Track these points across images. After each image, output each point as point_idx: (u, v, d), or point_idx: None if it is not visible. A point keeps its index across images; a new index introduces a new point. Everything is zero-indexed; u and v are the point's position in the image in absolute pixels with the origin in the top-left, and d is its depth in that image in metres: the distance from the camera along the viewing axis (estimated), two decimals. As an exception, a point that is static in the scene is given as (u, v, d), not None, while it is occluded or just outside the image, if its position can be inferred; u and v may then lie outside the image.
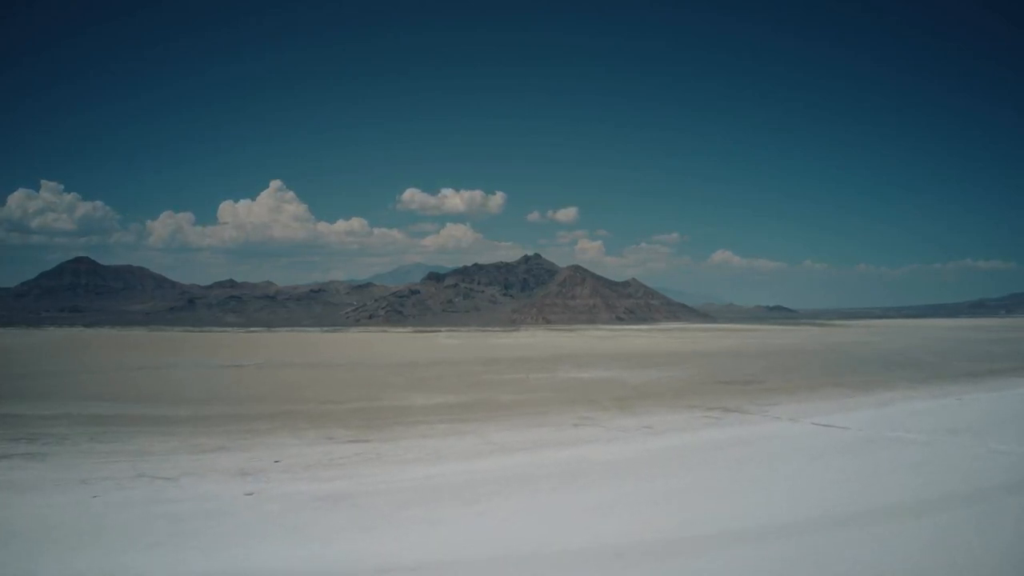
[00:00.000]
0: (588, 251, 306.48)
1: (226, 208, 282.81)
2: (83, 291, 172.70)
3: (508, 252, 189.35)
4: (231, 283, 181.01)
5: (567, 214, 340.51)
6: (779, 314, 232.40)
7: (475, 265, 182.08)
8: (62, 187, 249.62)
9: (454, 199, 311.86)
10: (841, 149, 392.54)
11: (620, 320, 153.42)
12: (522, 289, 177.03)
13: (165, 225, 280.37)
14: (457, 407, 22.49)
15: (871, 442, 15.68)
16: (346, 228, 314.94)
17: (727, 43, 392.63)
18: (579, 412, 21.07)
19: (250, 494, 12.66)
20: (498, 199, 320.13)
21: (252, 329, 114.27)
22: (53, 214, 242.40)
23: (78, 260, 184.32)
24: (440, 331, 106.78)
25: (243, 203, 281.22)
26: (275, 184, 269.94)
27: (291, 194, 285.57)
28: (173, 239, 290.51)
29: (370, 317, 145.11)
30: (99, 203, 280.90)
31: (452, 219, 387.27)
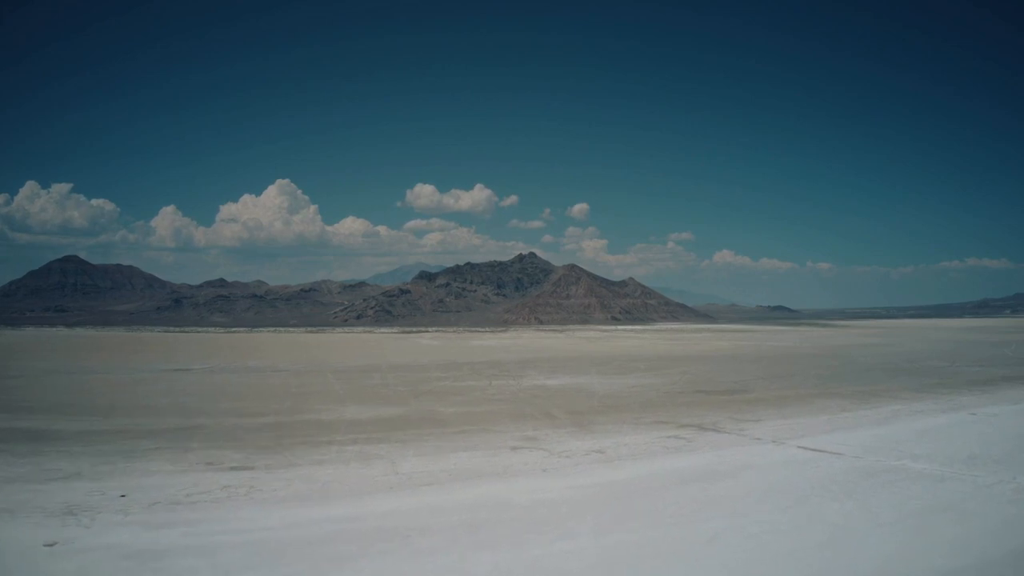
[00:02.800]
0: (588, 250, 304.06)
1: (229, 207, 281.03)
2: (70, 290, 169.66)
3: (513, 251, 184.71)
4: (221, 282, 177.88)
5: (577, 212, 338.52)
6: (780, 314, 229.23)
7: (468, 264, 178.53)
8: (71, 186, 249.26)
9: (460, 199, 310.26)
10: (845, 149, 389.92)
11: (615, 320, 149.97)
12: (516, 288, 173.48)
13: (167, 224, 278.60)
14: (388, 422, 19.32)
15: (869, 476, 12.45)
16: (350, 228, 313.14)
17: (731, 44, 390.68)
18: (526, 430, 17.88)
19: (51, 545, 9.59)
20: (497, 198, 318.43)
21: (234, 329, 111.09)
22: (58, 211, 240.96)
23: (66, 259, 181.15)
24: (427, 331, 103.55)
25: (248, 203, 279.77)
26: (281, 183, 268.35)
27: (297, 194, 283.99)
28: (176, 238, 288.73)
29: (358, 317, 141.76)
30: (106, 201, 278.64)
31: (456, 218, 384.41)
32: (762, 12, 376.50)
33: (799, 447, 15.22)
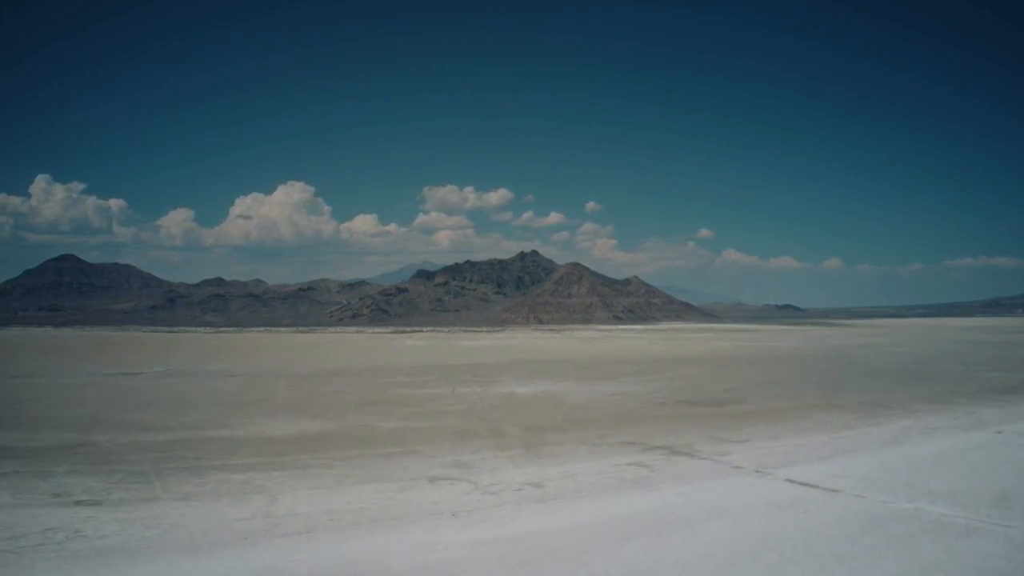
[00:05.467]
0: (599, 248, 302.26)
1: (239, 206, 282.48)
2: (66, 289, 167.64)
3: (528, 250, 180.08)
4: (219, 281, 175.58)
5: (590, 209, 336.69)
6: (787, 313, 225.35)
7: (467, 262, 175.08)
8: (85, 186, 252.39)
9: (471, 197, 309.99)
10: (851, 148, 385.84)
11: (618, 320, 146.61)
12: (517, 287, 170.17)
13: (175, 224, 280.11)
14: (305, 441, 16.46)
15: (872, 527, 9.48)
16: (360, 227, 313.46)
17: (732, 44, 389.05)
18: (462, 452, 14.99)
19: None
20: (513, 195, 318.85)
21: (223, 329, 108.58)
22: (67, 210, 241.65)
23: (62, 258, 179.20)
24: (421, 331, 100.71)
25: (258, 202, 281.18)
26: (293, 182, 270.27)
27: (308, 192, 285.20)
28: (185, 237, 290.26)
29: (353, 317, 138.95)
30: (120, 201, 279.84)
31: (470, 216, 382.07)
32: (762, 12, 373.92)
33: (787, 480, 12.25)
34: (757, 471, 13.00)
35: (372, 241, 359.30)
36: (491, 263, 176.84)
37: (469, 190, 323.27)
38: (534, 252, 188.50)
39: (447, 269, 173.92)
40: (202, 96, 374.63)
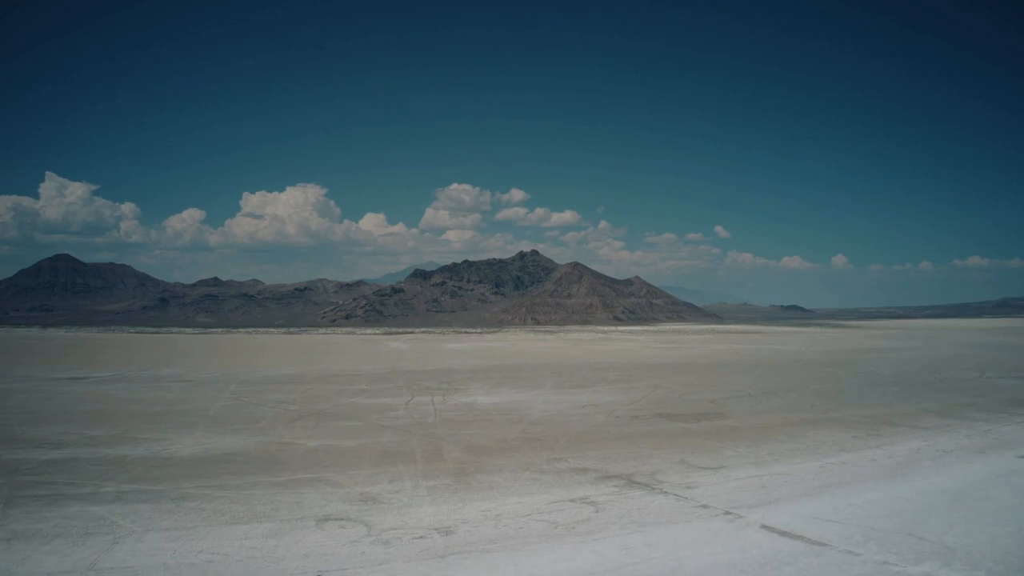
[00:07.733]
0: (607, 248, 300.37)
1: (246, 207, 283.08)
2: (60, 289, 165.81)
3: (538, 251, 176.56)
4: (215, 281, 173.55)
5: (599, 210, 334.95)
6: (793, 314, 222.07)
7: (465, 262, 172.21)
8: (97, 187, 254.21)
9: (484, 197, 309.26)
10: (859, 149, 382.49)
11: (618, 320, 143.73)
12: (516, 287, 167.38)
13: (180, 225, 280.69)
14: (208, 462, 14.02)
15: (868, 609, 6.95)
16: (368, 227, 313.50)
17: (740, 47, 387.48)
18: (378, 480, 12.53)
19: None
20: (517, 195, 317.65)
21: (211, 330, 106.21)
22: (71, 210, 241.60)
23: (56, 258, 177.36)
24: (413, 332, 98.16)
25: (265, 203, 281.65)
26: (301, 185, 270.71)
27: (317, 193, 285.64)
28: (194, 237, 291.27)
29: (347, 317, 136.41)
30: (132, 205, 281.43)
31: (482, 215, 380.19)
32: (763, 13, 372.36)
33: (763, 526, 9.73)
34: (727, 512, 10.48)
35: (380, 241, 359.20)
36: (490, 263, 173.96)
37: (479, 190, 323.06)
38: (534, 252, 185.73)
39: (444, 269, 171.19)
40: (206, 95, 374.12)
